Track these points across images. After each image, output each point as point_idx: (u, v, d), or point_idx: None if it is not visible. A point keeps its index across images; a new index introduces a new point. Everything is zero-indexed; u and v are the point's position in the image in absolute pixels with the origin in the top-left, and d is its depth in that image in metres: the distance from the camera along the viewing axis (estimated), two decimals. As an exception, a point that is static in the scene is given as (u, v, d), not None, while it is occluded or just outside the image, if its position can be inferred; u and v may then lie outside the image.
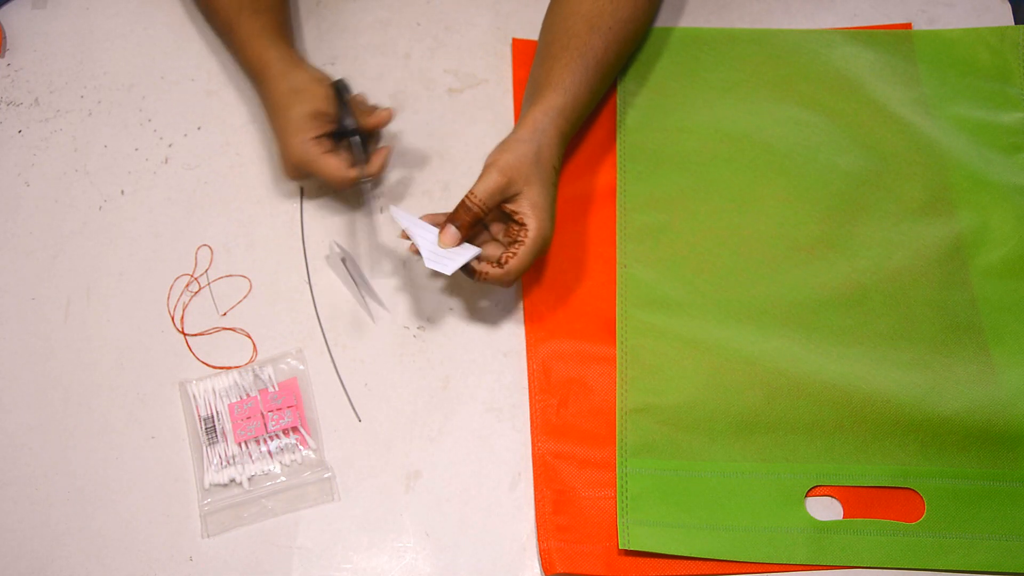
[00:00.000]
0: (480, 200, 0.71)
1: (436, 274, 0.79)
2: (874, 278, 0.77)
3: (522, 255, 0.71)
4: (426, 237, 0.71)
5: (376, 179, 0.78)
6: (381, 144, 0.83)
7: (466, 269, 0.72)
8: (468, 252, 0.71)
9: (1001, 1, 0.91)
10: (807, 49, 0.89)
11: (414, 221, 0.72)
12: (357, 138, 0.77)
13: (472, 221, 0.71)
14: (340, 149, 0.78)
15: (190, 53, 0.90)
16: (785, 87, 0.87)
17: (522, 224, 0.71)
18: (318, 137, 0.75)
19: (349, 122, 0.76)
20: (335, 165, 0.75)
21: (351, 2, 0.93)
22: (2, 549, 0.71)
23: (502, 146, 0.73)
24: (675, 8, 0.92)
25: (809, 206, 0.81)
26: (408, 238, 0.72)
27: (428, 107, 0.88)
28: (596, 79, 0.78)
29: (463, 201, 0.71)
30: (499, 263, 0.71)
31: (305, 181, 0.81)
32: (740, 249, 0.79)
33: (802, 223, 0.80)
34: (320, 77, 0.78)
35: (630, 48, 0.83)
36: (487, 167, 0.72)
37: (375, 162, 0.78)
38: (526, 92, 0.80)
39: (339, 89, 0.77)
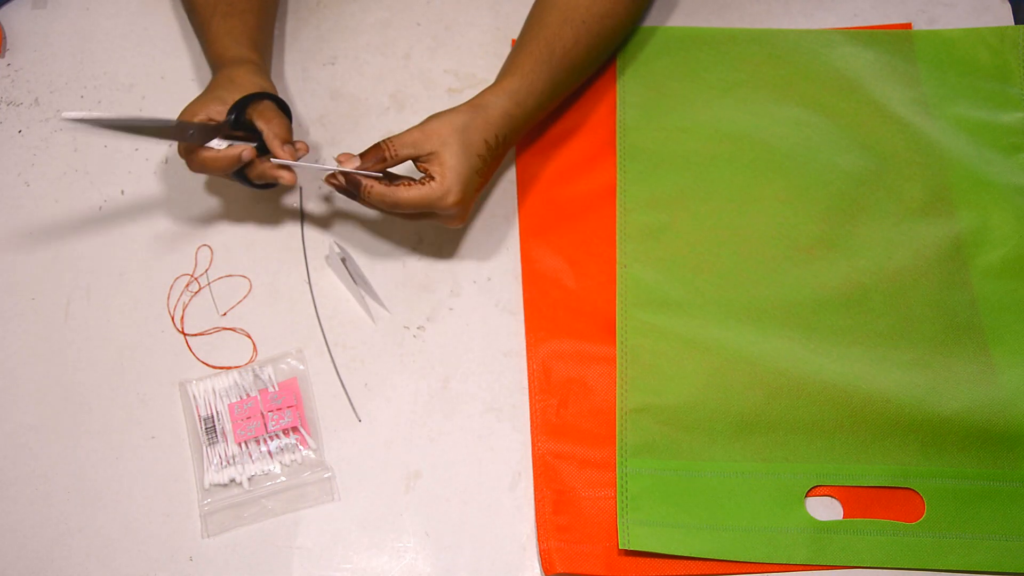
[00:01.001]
0: (391, 144, 0.73)
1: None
2: (874, 278, 0.77)
3: (413, 192, 0.72)
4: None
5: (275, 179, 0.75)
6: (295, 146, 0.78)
7: (354, 188, 0.73)
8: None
9: (1001, 1, 0.91)
10: (807, 49, 0.89)
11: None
12: (224, 122, 0.73)
13: (376, 158, 0.73)
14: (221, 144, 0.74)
15: (190, 53, 0.91)
16: (785, 87, 0.87)
17: (431, 177, 0.73)
18: (213, 120, 0.73)
19: (237, 118, 0.73)
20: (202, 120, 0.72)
21: (351, 2, 0.93)
22: (2, 549, 0.71)
23: (439, 112, 0.75)
24: (675, 8, 0.92)
25: (809, 206, 0.81)
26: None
27: (428, 107, 0.88)
28: (560, 70, 0.79)
29: (378, 142, 0.73)
30: (390, 183, 0.73)
31: (198, 169, 0.76)
32: (740, 249, 0.79)
33: (802, 223, 0.80)
34: (264, 86, 0.76)
35: (606, 44, 0.83)
36: (414, 125, 0.74)
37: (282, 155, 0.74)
38: (496, 78, 0.80)
39: (267, 96, 0.74)
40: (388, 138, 0.73)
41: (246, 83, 0.75)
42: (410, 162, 0.74)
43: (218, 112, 0.73)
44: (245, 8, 0.81)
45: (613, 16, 0.81)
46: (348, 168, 0.73)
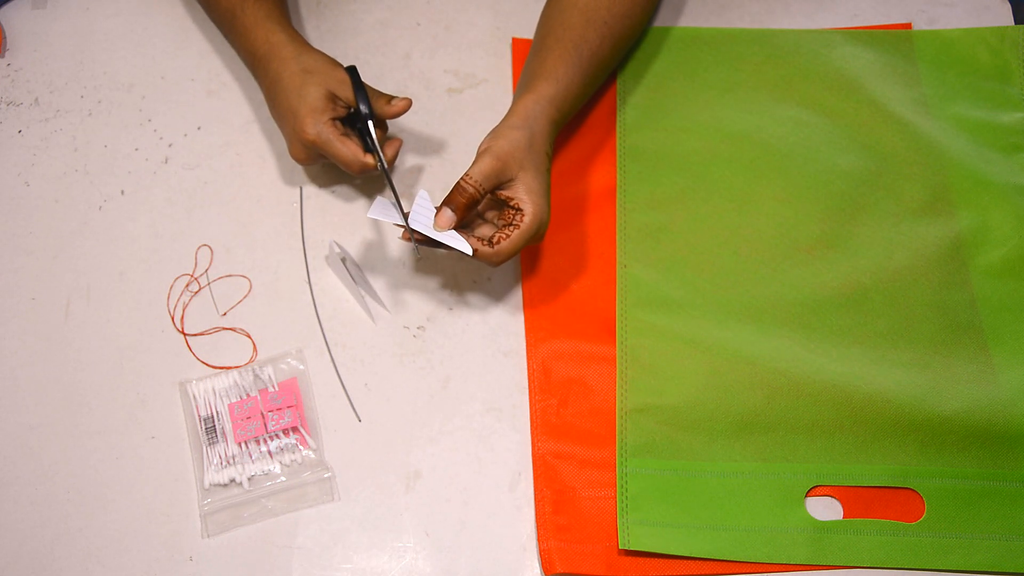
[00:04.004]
0: (476, 182, 0.70)
1: (421, 259, 0.80)
2: (874, 278, 0.77)
3: (515, 238, 0.71)
4: (422, 214, 0.71)
5: (390, 169, 0.78)
6: (389, 136, 0.83)
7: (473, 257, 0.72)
8: (460, 244, 0.70)
9: (1001, 1, 0.91)
10: (807, 49, 0.89)
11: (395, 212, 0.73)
12: (371, 124, 0.77)
13: (468, 203, 0.71)
14: (353, 134, 0.78)
15: (190, 53, 0.90)
16: (785, 87, 0.87)
17: (518, 209, 0.71)
18: (333, 119, 0.76)
19: (364, 107, 0.76)
20: (352, 149, 0.75)
21: (351, 2, 0.93)
22: (2, 549, 0.71)
23: (495, 133, 0.73)
24: (675, 8, 0.92)
25: (809, 206, 0.81)
26: (411, 234, 0.72)
27: (428, 107, 0.88)
28: (589, 71, 0.79)
29: (459, 183, 0.71)
30: (490, 242, 0.71)
31: (313, 163, 0.80)
32: (740, 249, 0.79)
33: (802, 223, 0.80)
34: (332, 60, 0.78)
35: (626, 43, 0.83)
36: (481, 152, 0.72)
37: (387, 151, 0.78)
38: (519, 83, 0.80)
39: (353, 74, 0.77)
40: (467, 175, 0.70)
41: (321, 67, 0.77)
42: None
43: (334, 110, 0.75)
44: None
45: (632, 16, 0.81)
46: (446, 227, 0.70)
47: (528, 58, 0.81)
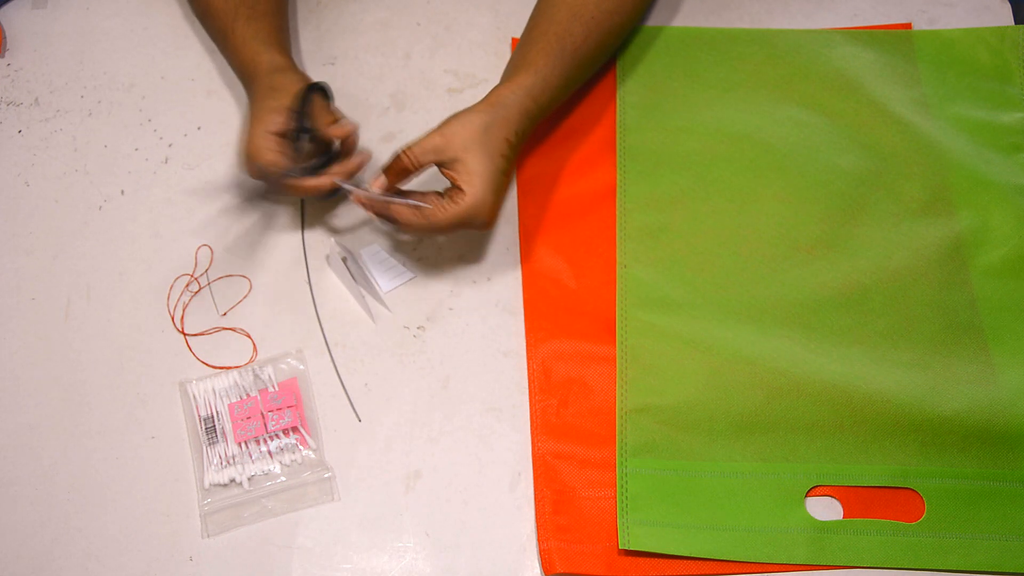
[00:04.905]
0: (412, 154, 0.72)
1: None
2: (874, 278, 0.77)
3: (448, 213, 0.71)
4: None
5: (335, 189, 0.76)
6: (358, 156, 0.79)
7: (390, 222, 0.74)
8: (393, 202, 0.73)
9: (1001, 1, 0.91)
10: (807, 49, 0.89)
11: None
12: (306, 136, 0.74)
13: (399, 171, 0.73)
14: (298, 153, 0.75)
15: (190, 53, 0.91)
16: (785, 87, 0.87)
17: (459, 189, 0.72)
18: (278, 133, 0.73)
19: (305, 122, 0.74)
20: (272, 157, 0.73)
21: (351, 2, 0.93)
22: (2, 549, 0.71)
23: (456, 113, 0.74)
24: (675, 8, 0.92)
25: (809, 206, 0.81)
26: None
27: (428, 107, 0.88)
28: (572, 66, 0.79)
29: (397, 152, 0.73)
30: (422, 212, 0.72)
31: (263, 181, 0.77)
32: (740, 249, 0.79)
33: (802, 223, 0.80)
34: (303, 79, 0.78)
35: (614, 40, 0.83)
36: (433, 129, 0.73)
37: (339, 169, 0.76)
38: (503, 74, 0.80)
39: (312, 89, 0.76)
40: (408, 147, 0.73)
41: (288, 87, 0.75)
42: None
43: (277, 123, 0.73)
44: (267, 10, 0.81)
45: (620, 12, 0.81)
46: (376, 188, 0.73)
47: (514, 51, 0.81)
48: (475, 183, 0.71)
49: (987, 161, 0.82)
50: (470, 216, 0.72)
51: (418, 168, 0.73)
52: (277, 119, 0.73)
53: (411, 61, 0.90)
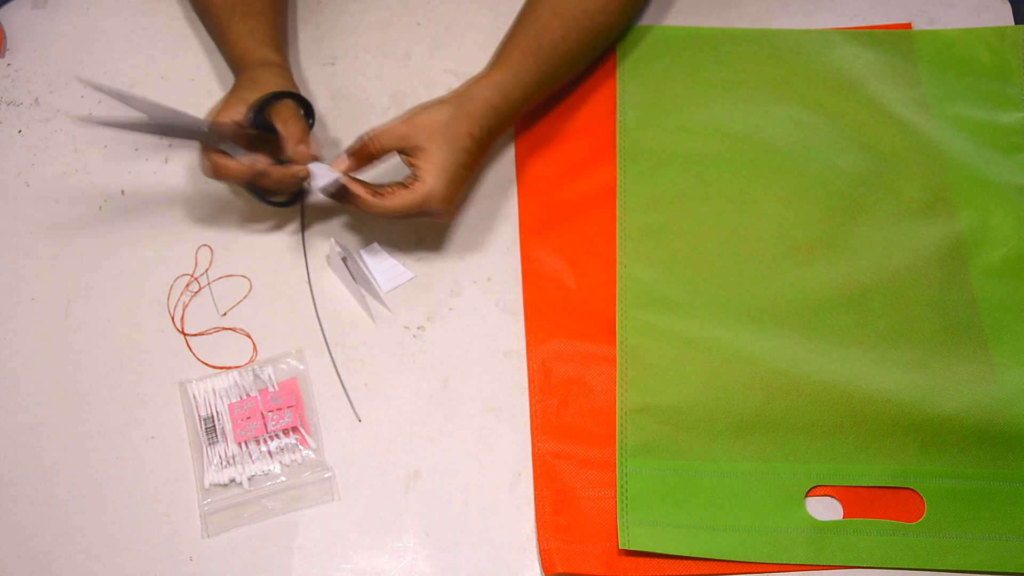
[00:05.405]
0: (374, 137, 0.73)
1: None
2: (874, 278, 0.77)
3: (402, 197, 0.72)
4: (326, 173, 0.74)
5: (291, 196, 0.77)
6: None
7: (345, 196, 0.74)
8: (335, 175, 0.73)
9: (1001, 1, 0.91)
10: (807, 49, 0.89)
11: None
12: (244, 120, 0.72)
13: (362, 154, 0.74)
14: (252, 151, 0.73)
15: (190, 53, 0.91)
16: (785, 87, 0.87)
17: (416, 177, 0.73)
18: (237, 124, 0.72)
19: (256, 118, 0.72)
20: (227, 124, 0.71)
21: (351, 2, 0.93)
22: (2, 549, 0.71)
23: (424, 104, 0.75)
24: (675, 7, 0.92)
25: (809, 206, 0.81)
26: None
27: (428, 107, 0.88)
28: (548, 64, 0.79)
29: (362, 136, 0.74)
30: (378, 192, 0.73)
31: (213, 175, 0.74)
32: (740, 249, 0.79)
33: (802, 223, 0.80)
34: (288, 83, 0.77)
35: (597, 40, 0.83)
36: (400, 117, 0.74)
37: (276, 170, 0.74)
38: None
39: (289, 96, 0.74)
40: (373, 132, 0.74)
41: (269, 84, 0.75)
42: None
43: (240, 114, 0.73)
44: (263, 9, 0.81)
45: (605, 13, 0.81)
46: (340, 170, 0.74)
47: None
48: (432, 172, 0.72)
49: (987, 161, 0.82)
50: (424, 204, 0.72)
51: (381, 153, 0.74)
52: (240, 109, 0.73)
53: (411, 61, 0.90)
